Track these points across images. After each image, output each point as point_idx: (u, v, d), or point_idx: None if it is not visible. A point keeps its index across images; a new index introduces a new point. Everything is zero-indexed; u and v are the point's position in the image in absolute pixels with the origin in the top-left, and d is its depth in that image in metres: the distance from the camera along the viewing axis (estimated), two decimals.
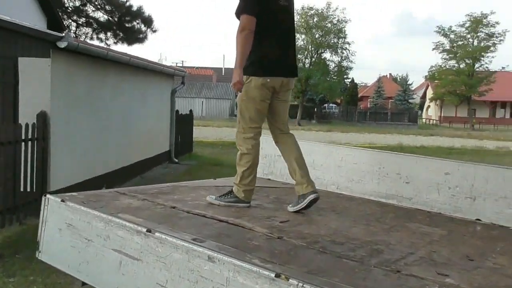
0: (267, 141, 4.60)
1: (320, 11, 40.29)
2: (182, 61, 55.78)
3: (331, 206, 3.57)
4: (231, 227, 2.80)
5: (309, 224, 2.99)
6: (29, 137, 6.36)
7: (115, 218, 2.70)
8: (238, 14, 3.33)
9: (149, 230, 2.44)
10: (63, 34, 6.45)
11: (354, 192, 4.00)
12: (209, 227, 2.77)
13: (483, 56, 45.41)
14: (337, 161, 4.14)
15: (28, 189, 6.46)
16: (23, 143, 6.28)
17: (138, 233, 2.49)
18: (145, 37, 17.69)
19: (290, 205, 3.39)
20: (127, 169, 9.55)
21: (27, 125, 6.31)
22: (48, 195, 3.20)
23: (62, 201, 3.06)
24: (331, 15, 40.35)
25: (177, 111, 13.08)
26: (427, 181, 3.63)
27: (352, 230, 2.90)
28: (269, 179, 4.52)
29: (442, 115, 56.92)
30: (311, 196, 3.35)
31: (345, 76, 44.49)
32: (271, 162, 4.57)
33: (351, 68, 42.96)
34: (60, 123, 6.93)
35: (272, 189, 4.06)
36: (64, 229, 3.01)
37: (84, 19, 16.76)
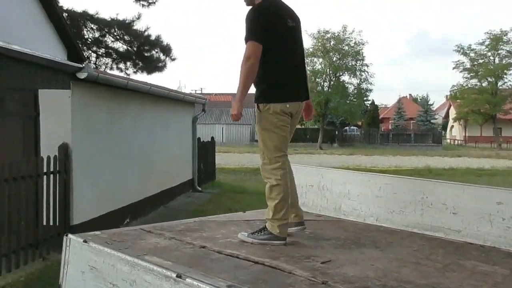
0: (296, 170, 4.36)
1: (336, 34, 40.27)
2: (201, 88, 56.35)
3: (373, 241, 3.27)
4: (268, 270, 2.53)
5: (353, 264, 2.71)
6: (51, 170, 6.24)
7: (141, 261, 2.47)
8: (245, 40, 3.18)
9: (179, 275, 2.21)
10: (83, 65, 6.38)
11: (396, 224, 3.69)
12: (243, 271, 2.51)
13: (505, 74, 44.61)
14: (375, 190, 3.85)
15: (51, 223, 6.30)
16: (45, 177, 6.16)
17: (167, 278, 2.26)
18: (164, 66, 17.75)
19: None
20: (151, 200, 9.37)
21: (48, 158, 6.20)
22: (69, 235, 3.00)
23: (85, 241, 2.87)
24: (348, 37, 40.29)
25: (199, 138, 12.95)
26: (477, 211, 3.32)
27: (403, 271, 2.60)
28: None
29: (466, 135, 55.85)
30: (298, 228, 3.39)
31: (364, 98, 44.10)
32: (303, 193, 4.30)
33: (370, 90, 42.52)
34: (82, 155, 6.80)
35: (307, 222, 3.78)
36: (87, 272, 2.81)
37: (103, 49, 16.91)
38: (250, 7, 3.27)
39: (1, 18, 10.14)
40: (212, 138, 15.27)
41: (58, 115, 6.53)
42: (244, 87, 3.15)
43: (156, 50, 17.23)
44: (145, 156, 9.20)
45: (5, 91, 6.64)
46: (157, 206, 9.74)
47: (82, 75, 6.35)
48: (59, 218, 6.40)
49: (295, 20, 3.38)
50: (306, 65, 3.60)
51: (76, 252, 2.92)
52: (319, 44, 39.90)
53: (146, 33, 16.74)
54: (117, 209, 7.94)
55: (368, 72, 41.00)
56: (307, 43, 39.87)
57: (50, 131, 6.55)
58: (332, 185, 4.11)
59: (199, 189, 12.44)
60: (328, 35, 40.16)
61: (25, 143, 6.62)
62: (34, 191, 6.03)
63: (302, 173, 4.34)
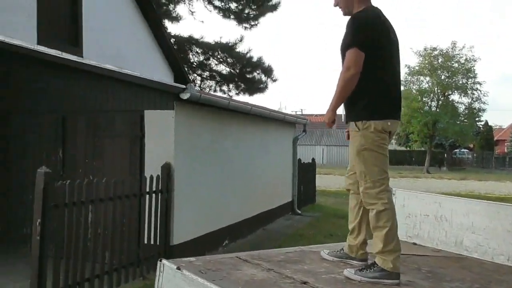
0: (409, 197, 3.91)
1: (445, 51, 38.07)
2: (301, 109, 56.32)
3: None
4: None
5: None
6: (153, 189, 6.32)
7: None
8: (346, 47, 2.87)
9: None
10: (186, 86, 6.43)
11: None
12: None
13: None
14: (506, 224, 3.27)
15: (152, 242, 6.35)
16: (147, 196, 6.24)
17: None
18: (266, 87, 17.86)
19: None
20: (250, 221, 9.23)
21: (151, 177, 6.29)
22: (163, 261, 2.85)
23: (178, 268, 2.69)
24: (458, 54, 37.87)
25: (299, 159, 12.69)
26: None
27: None
28: (414, 244, 3.77)
29: None
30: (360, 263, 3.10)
31: (477, 119, 40.97)
32: (417, 223, 3.83)
33: (484, 110, 39.30)
34: (183, 175, 6.83)
35: (422, 258, 3.31)
36: None
37: (207, 72, 17.46)
38: (349, 16, 3.03)
39: (116, 44, 10.81)
40: (313, 159, 14.92)
41: (161, 136, 6.64)
42: (340, 97, 2.92)
43: (257, 72, 17.42)
44: (245, 177, 9.11)
45: (116, 112, 6.91)
46: (256, 229, 9.58)
47: (185, 96, 6.41)
48: (159, 238, 6.44)
49: (395, 35, 3.08)
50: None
51: (169, 279, 2.75)
52: (426, 61, 37.98)
53: (248, 55, 17.01)
54: (216, 230, 7.88)
55: (480, 91, 38.12)
56: (413, 60, 38.16)
57: (153, 150, 6.67)
58: (452, 215, 3.59)
59: (299, 212, 12.12)
60: (436, 52, 38.10)
61: (131, 162, 6.81)
62: (137, 210, 6.13)
63: (416, 201, 3.88)
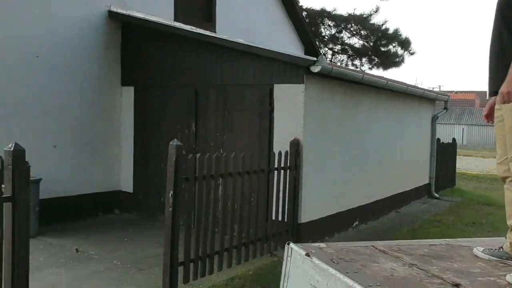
0: None
1: None
2: (439, 86, 52.50)
3: None
4: None
5: None
6: (282, 165, 6.16)
7: None
8: None
9: None
10: (317, 58, 6.09)
11: None
12: None
13: None
14: None
15: (279, 219, 6.23)
16: (275, 172, 6.10)
17: None
18: (402, 61, 16.78)
19: None
20: (381, 203, 8.71)
21: (280, 153, 6.13)
22: (291, 245, 2.62)
23: (307, 255, 2.44)
24: None
25: (438, 139, 11.68)
26: None
27: None
28: None
29: None
30: None
31: None
32: None
33: None
34: (312, 152, 6.57)
35: None
36: None
37: (339, 46, 16.86)
38: None
39: (247, 19, 10.82)
40: (453, 139, 13.68)
41: (290, 110, 6.42)
42: None
43: (393, 44, 16.40)
44: (378, 155, 8.57)
45: (246, 86, 6.85)
46: (389, 211, 9.03)
47: (315, 69, 6.08)
48: (287, 215, 6.30)
49: None
50: None
51: (298, 265, 2.53)
52: None
53: (383, 27, 16.07)
54: (345, 210, 7.55)
55: None
56: None
57: (282, 125, 6.50)
58: None
59: (436, 195, 11.21)
60: None
61: (260, 137, 6.73)
62: (265, 185, 6.02)
63: None
